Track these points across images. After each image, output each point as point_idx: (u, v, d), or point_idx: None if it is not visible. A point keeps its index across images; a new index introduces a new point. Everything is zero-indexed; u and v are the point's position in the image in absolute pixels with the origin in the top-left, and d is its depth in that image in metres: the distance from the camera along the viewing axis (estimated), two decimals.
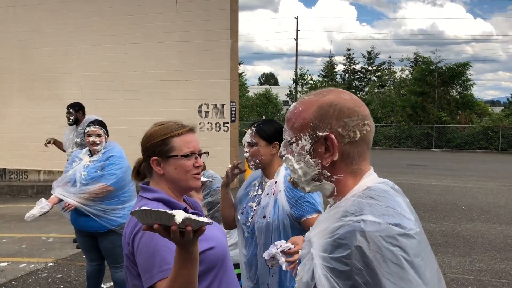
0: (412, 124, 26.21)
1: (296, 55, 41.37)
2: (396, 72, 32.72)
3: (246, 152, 2.33)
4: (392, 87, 31.45)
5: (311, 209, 2.17)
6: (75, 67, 10.91)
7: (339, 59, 36.14)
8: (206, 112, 10.23)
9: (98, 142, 3.68)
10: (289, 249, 1.87)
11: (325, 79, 31.83)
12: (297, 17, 42.29)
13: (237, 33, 10.54)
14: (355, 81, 33.27)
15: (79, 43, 10.85)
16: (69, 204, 3.56)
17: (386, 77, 32.32)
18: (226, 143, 10.13)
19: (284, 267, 1.84)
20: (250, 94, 37.78)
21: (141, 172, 1.72)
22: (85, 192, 3.57)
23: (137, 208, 1.16)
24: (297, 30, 41.34)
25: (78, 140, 5.90)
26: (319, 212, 2.17)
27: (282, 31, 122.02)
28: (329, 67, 32.59)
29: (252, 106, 33.39)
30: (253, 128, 2.34)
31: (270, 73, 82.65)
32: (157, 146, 1.63)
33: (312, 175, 1.13)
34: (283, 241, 1.89)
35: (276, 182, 2.28)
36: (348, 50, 32.55)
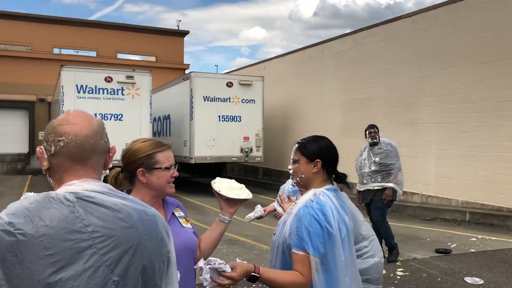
0: None
1: None
2: None
3: (290, 169, 2.27)
4: None
5: (299, 243, 1.96)
6: (429, 91, 11.05)
7: None
8: None
9: None
10: (223, 270, 1.83)
11: None
12: None
13: None
14: None
15: (433, 67, 10.93)
16: (278, 213, 4.12)
17: None
18: None
19: (205, 284, 1.83)
20: None
21: (119, 181, 2.12)
22: None
23: None
24: None
25: (377, 159, 6.29)
26: (305, 250, 1.93)
27: None
28: None
29: None
30: (296, 145, 2.27)
31: None
32: (144, 159, 2.04)
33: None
34: (218, 260, 1.85)
35: (295, 203, 2.16)
36: None
